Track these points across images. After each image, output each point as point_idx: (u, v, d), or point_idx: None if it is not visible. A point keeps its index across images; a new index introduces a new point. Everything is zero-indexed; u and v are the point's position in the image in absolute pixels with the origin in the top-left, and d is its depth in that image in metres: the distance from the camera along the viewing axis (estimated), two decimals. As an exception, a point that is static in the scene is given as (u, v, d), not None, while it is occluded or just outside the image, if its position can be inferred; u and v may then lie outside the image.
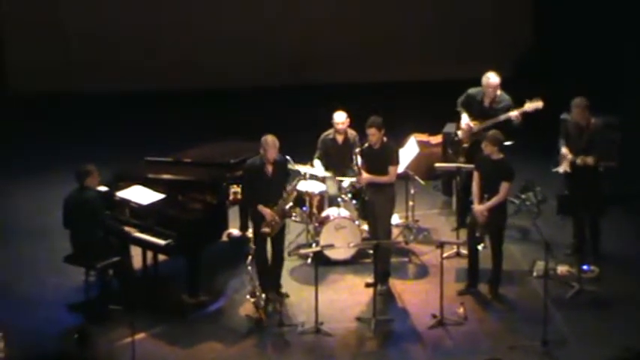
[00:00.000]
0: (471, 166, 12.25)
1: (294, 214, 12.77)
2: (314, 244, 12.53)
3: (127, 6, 18.73)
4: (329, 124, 13.16)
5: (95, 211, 11.51)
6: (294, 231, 13.11)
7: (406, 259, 12.87)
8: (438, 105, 14.07)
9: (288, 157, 12.07)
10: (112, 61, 18.58)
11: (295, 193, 12.06)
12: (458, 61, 18.30)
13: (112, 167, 12.83)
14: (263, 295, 11.56)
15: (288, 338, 11.23)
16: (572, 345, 11.00)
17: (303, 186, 12.74)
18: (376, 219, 12.05)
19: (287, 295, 11.94)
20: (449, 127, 13.98)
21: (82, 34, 18.72)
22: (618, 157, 13.62)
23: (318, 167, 13.09)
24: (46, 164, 15.67)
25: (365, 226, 12.64)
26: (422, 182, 13.40)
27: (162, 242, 11.64)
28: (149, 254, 12.11)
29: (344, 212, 12.77)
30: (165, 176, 12.38)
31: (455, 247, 12.68)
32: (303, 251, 12.73)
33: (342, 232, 12.60)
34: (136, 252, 12.12)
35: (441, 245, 11.46)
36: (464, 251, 12.30)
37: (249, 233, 12.29)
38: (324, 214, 12.88)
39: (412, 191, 13.32)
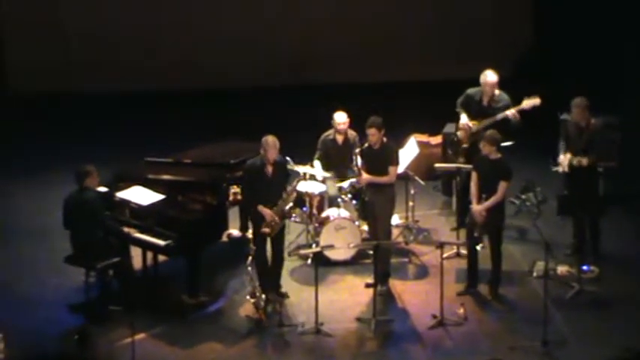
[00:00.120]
0: (471, 166, 12.24)
1: (294, 214, 12.77)
2: (314, 245, 12.53)
3: (127, 6, 18.74)
4: (329, 124, 13.17)
5: (95, 212, 11.51)
6: (294, 231, 13.12)
7: (406, 260, 12.87)
8: (438, 105, 14.07)
9: (287, 158, 12.07)
10: (112, 61, 18.58)
11: (295, 194, 12.06)
12: (458, 61, 18.29)
13: (112, 167, 12.83)
14: (263, 296, 11.56)
15: (288, 339, 11.23)
16: (573, 345, 10.99)
17: (303, 186, 12.74)
18: (376, 219, 12.05)
19: (287, 296, 11.94)
20: (449, 128, 13.98)
21: (82, 34, 18.73)
22: (618, 157, 13.62)
23: (318, 168, 13.09)
24: (46, 164, 15.67)
25: (365, 227, 12.64)
26: (422, 182, 13.39)
27: (162, 243, 11.64)
28: (149, 255, 12.11)
29: (344, 213, 12.77)
30: (165, 177, 12.38)
31: (455, 247, 12.68)
32: (303, 252, 12.73)
33: (342, 232, 12.60)
34: (135, 252, 12.13)
35: (441, 246, 11.46)
36: (464, 252, 12.30)
37: (249, 234, 12.27)
38: (324, 214, 12.88)
39: (412, 191, 13.32)
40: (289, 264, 12.53)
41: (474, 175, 11.92)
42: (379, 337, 11.27)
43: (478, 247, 11.88)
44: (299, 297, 11.96)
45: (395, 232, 12.87)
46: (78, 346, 10.88)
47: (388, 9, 19.06)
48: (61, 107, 18.03)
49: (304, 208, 12.86)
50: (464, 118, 13.13)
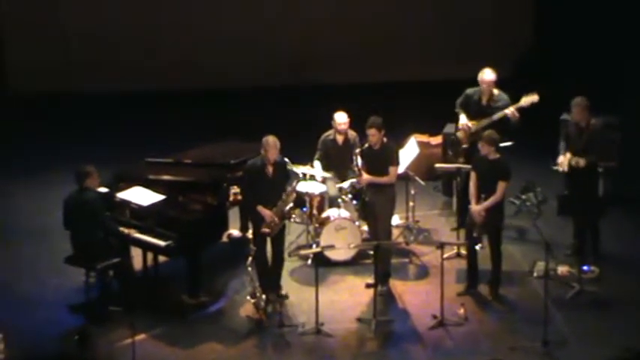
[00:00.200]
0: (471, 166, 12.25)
1: (294, 215, 12.77)
2: (314, 245, 12.52)
3: (127, 6, 18.74)
4: (329, 124, 13.16)
5: (95, 212, 11.50)
6: (295, 232, 13.12)
7: (406, 260, 12.86)
8: (438, 105, 14.06)
9: (286, 159, 12.05)
10: (112, 61, 18.59)
11: (294, 195, 12.05)
12: (458, 61, 18.29)
13: (112, 168, 12.83)
14: (263, 296, 11.56)
15: (289, 339, 11.22)
16: (573, 345, 10.99)
17: (304, 187, 12.74)
18: (376, 220, 12.05)
19: (287, 296, 11.94)
20: (449, 128, 13.98)
21: (82, 34, 18.74)
22: (618, 158, 13.64)
23: (318, 168, 13.09)
24: (46, 164, 15.68)
25: (365, 227, 12.64)
26: (422, 183, 13.39)
27: (162, 243, 11.64)
28: (149, 255, 12.11)
29: (344, 213, 12.77)
30: (166, 177, 12.38)
31: (455, 247, 12.68)
32: (303, 252, 12.73)
33: (342, 232, 12.60)
34: (136, 253, 12.13)
35: (441, 246, 11.47)
36: (464, 252, 12.30)
37: (250, 234, 12.28)
38: (324, 215, 12.88)
39: (412, 192, 13.32)
40: (289, 264, 12.53)
41: (472, 175, 11.91)
42: (379, 338, 11.27)
43: (477, 247, 11.88)
44: (299, 297, 11.96)
45: (395, 232, 12.88)
46: (78, 346, 10.88)
47: (388, 9, 19.07)
48: (61, 107, 18.04)
49: (304, 209, 12.87)
50: (463, 119, 13.12)
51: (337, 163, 13.08)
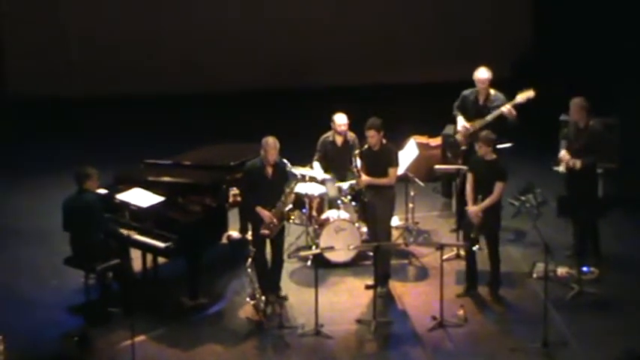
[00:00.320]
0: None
1: (293, 216, 12.77)
2: (314, 247, 12.52)
3: (128, 8, 18.72)
4: (328, 126, 13.15)
5: (95, 214, 11.50)
6: (294, 233, 13.11)
7: (406, 261, 12.87)
8: (438, 107, 14.04)
9: (285, 160, 12.04)
10: (112, 64, 18.57)
11: (293, 196, 12.05)
12: (458, 61, 18.24)
13: (112, 170, 12.83)
14: (263, 298, 11.56)
15: (288, 340, 11.22)
16: (573, 347, 10.99)
17: (303, 188, 12.74)
18: (376, 221, 12.04)
19: (287, 298, 11.93)
20: (448, 129, 13.97)
21: (82, 36, 18.71)
22: (618, 159, 13.63)
23: (317, 169, 13.08)
24: (46, 167, 15.67)
25: (364, 228, 12.63)
26: (421, 184, 13.39)
27: (161, 245, 11.64)
28: (149, 257, 12.11)
29: (344, 214, 12.77)
30: (165, 179, 12.38)
31: (455, 249, 12.68)
32: (303, 253, 12.71)
33: (341, 234, 12.60)
34: (135, 254, 12.13)
35: (440, 247, 11.47)
36: (463, 253, 12.30)
37: (249, 236, 12.29)
38: (323, 216, 12.88)
39: (412, 193, 13.32)
40: (289, 266, 12.53)
41: (469, 176, 11.91)
42: (379, 339, 11.26)
43: (475, 249, 11.87)
44: (299, 299, 11.96)
45: (395, 233, 12.87)
46: (78, 348, 10.93)
47: (388, 10, 19.05)
48: (61, 110, 18.01)
49: (304, 210, 12.86)
50: (461, 121, 13.11)
51: (336, 164, 13.07)
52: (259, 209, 11.66)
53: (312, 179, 12.96)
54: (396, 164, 12.09)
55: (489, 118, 12.79)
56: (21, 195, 14.99)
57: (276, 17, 18.93)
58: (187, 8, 18.87)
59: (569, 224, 12.60)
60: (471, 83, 13.15)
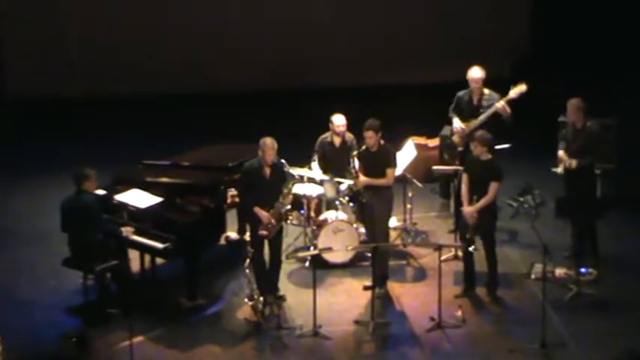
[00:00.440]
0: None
1: (291, 217, 12.77)
2: (312, 247, 12.53)
3: (128, 8, 18.73)
4: (328, 126, 13.15)
5: (93, 215, 11.51)
6: (292, 234, 13.12)
7: (404, 262, 12.87)
8: (438, 107, 14.03)
9: (283, 161, 12.05)
10: (112, 64, 18.58)
11: (291, 196, 12.05)
12: (457, 61, 18.23)
13: (112, 170, 12.84)
14: (261, 299, 11.56)
15: (287, 341, 11.22)
16: (571, 347, 10.98)
17: (301, 189, 12.74)
18: (374, 222, 12.04)
19: (285, 299, 11.94)
20: (446, 130, 13.96)
21: (82, 36, 18.73)
22: (616, 159, 13.63)
23: (315, 170, 13.09)
24: (45, 167, 15.67)
25: (362, 229, 12.64)
26: (420, 185, 13.39)
27: (160, 245, 11.64)
28: (147, 257, 12.12)
29: (342, 215, 12.77)
30: (163, 179, 12.38)
31: (453, 249, 12.67)
32: (301, 254, 12.71)
33: (340, 235, 12.61)
34: (134, 255, 12.13)
35: (438, 248, 11.47)
36: (461, 254, 12.29)
37: (247, 236, 12.29)
38: (322, 217, 12.88)
39: (410, 194, 13.33)
40: (287, 266, 12.53)
41: (464, 177, 11.91)
42: (377, 340, 11.26)
43: (470, 249, 11.87)
44: (297, 300, 11.96)
45: (393, 234, 12.87)
46: (76, 348, 10.93)
47: (388, 10, 19.05)
48: (61, 110, 18.02)
49: (302, 211, 12.86)
50: (457, 122, 13.11)
51: (334, 165, 13.07)
52: (257, 210, 11.66)
53: (311, 180, 12.97)
54: (394, 165, 12.09)
55: (483, 117, 12.79)
56: (21, 195, 15.00)
57: (277, 17, 18.95)
58: (187, 8, 18.89)
59: (567, 225, 12.60)
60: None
